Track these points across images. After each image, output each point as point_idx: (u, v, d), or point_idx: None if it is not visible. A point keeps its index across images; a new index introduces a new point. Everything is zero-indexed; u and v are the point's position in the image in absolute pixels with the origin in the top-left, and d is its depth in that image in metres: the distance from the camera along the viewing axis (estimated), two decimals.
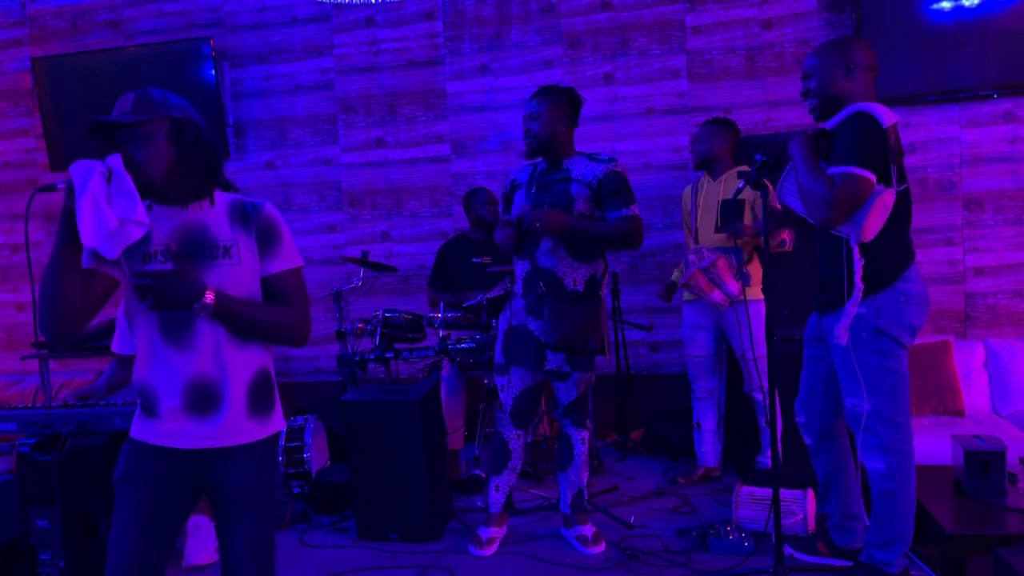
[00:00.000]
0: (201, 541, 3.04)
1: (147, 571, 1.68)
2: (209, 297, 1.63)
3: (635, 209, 2.89)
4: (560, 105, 2.93)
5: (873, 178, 2.30)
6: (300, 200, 5.00)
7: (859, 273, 2.40)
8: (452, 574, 2.86)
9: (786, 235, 3.42)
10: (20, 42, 5.26)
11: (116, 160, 1.58)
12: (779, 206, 3.37)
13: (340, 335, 4.05)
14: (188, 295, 1.63)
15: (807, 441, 2.78)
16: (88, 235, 1.53)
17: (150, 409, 1.73)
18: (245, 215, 1.75)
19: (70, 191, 1.54)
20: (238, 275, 1.72)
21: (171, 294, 1.62)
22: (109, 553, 1.68)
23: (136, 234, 1.60)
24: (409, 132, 4.84)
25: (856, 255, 2.40)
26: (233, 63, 5.01)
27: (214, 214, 1.75)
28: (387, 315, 3.85)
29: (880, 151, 2.33)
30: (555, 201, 2.88)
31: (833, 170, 2.33)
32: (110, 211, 1.55)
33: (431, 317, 3.73)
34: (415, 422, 3.15)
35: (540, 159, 3.03)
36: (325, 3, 4.80)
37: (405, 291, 4.87)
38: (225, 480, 1.73)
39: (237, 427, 1.74)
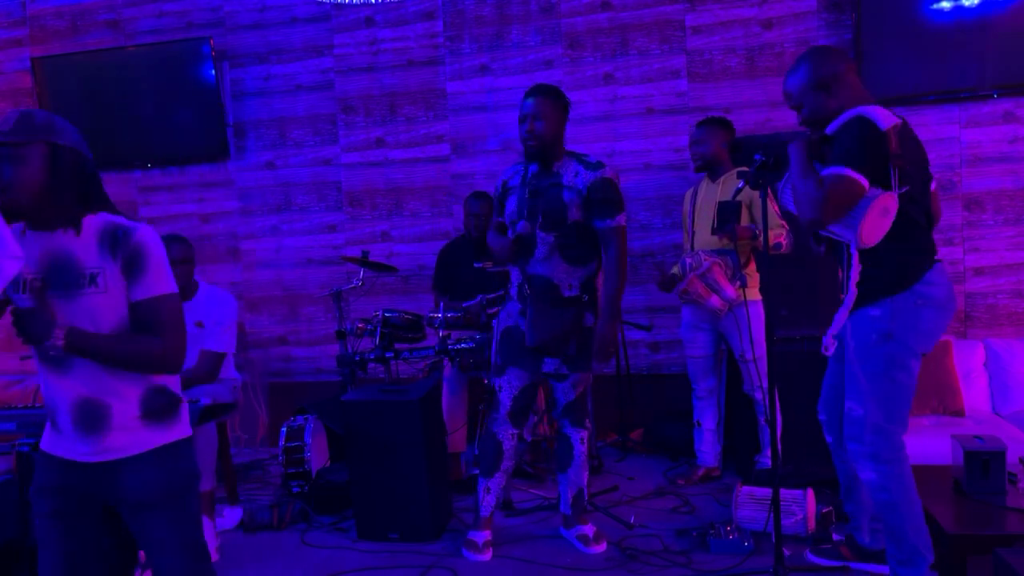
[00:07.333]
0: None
1: None
2: (58, 337, 1.62)
3: (621, 220, 2.87)
4: (562, 106, 2.91)
5: (865, 182, 2.27)
6: (300, 200, 5.00)
7: (855, 279, 2.37)
8: (455, 574, 2.86)
9: (783, 239, 3.41)
10: (20, 42, 5.26)
11: None
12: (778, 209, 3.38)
13: (340, 335, 4.04)
14: (39, 334, 1.62)
15: (828, 439, 2.72)
16: None
17: (52, 422, 1.77)
18: (115, 241, 1.69)
19: None
20: (105, 304, 1.69)
21: (26, 333, 1.62)
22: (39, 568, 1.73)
23: (12, 269, 1.61)
24: (409, 132, 4.84)
25: (855, 260, 2.37)
26: (233, 63, 5.00)
27: (83, 240, 1.70)
28: (387, 315, 3.85)
29: (877, 154, 2.29)
30: (549, 208, 2.87)
31: (825, 172, 2.32)
32: None
33: (431, 317, 3.73)
34: (415, 422, 3.15)
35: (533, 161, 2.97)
36: (325, 3, 4.80)
37: (405, 291, 4.87)
38: (127, 487, 1.73)
39: (130, 440, 1.73)
